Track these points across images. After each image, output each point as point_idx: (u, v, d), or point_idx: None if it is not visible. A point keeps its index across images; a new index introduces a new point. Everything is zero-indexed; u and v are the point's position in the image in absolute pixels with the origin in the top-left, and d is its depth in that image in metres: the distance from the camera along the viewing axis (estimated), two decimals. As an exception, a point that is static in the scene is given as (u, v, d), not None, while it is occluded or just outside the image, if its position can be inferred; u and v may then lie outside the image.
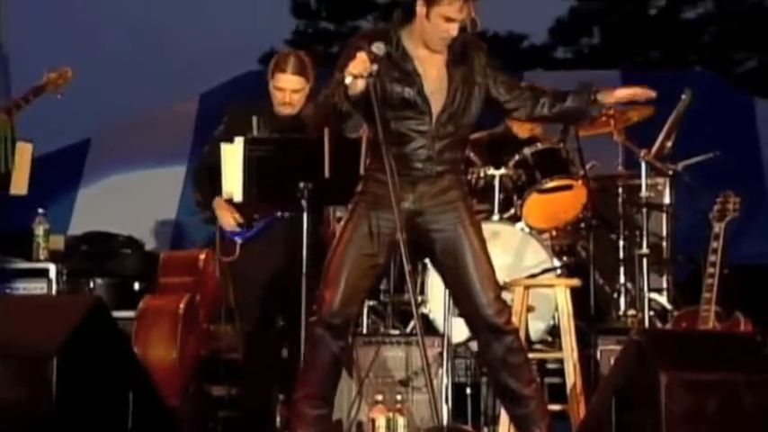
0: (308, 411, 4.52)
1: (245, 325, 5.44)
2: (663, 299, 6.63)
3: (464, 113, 4.52)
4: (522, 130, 6.79)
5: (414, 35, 4.50)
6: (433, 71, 4.51)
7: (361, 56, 4.24)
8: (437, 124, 4.47)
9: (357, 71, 4.21)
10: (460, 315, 4.74)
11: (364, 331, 6.17)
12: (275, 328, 5.43)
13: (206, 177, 5.47)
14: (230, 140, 5.21)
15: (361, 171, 4.76)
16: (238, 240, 5.41)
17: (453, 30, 4.42)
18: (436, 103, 4.48)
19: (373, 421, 5.28)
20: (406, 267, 4.24)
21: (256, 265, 5.36)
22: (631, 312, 6.47)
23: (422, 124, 4.47)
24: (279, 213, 5.37)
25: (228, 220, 5.40)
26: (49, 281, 6.38)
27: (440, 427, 5.00)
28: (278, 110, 5.42)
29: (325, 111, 4.42)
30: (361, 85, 4.23)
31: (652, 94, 4.61)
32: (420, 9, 4.42)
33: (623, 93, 4.63)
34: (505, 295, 5.64)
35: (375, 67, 4.24)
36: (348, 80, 4.21)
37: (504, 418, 5.12)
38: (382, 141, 4.28)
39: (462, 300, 4.59)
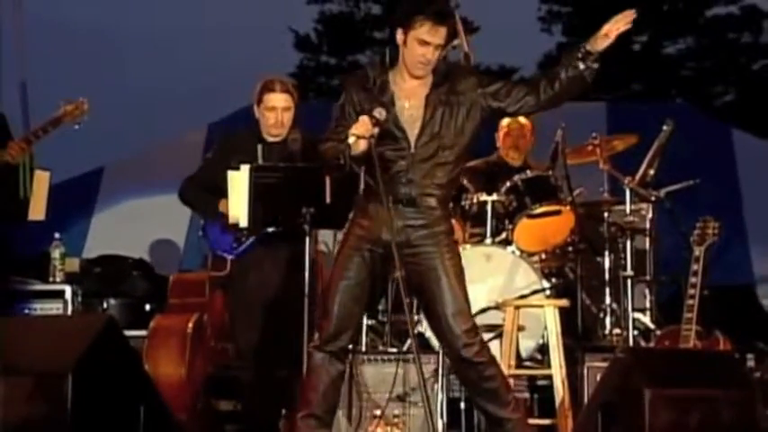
0: None
1: (243, 340, 5.40)
2: (646, 318, 6.62)
3: (446, 133, 4.46)
4: (514, 158, 6.83)
5: (401, 68, 4.52)
6: (415, 100, 4.50)
7: (364, 119, 4.31)
8: (417, 147, 4.45)
9: (360, 133, 4.28)
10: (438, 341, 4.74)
11: (363, 349, 6.16)
12: (275, 345, 5.38)
13: (194, 190, 5.48)
14: (221, 165, 5.23)
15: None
16: (228, 257, 5.40)
17: (429, 53, 4.41)
18: (415, 130, 4.46)
19: (372, 435, 5.27)
20: (405, 301, 4.29)
21: (248, 281, 5.34)
22: (616, 331, 6.45)
23: (401, 150, 4.46)
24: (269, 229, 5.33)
25: None
26: (65, 302, 6.38)
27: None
28: (268, 132, 5.40)
29: (329, 163, 4.48)
30: (363, 145, 4.29)
31: (631, 13, 4.30)
32: (399, 37, 4.45)
33: (606, 29, 4.32)
34: (497, 315, 5.69)
35: (376, 130, 4.30)
36: (351, 140, 4.28)
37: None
38: (382, 191, 4.28)
39: (436, 331, 4.61)
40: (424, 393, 4.28)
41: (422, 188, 4.47)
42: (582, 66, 4.37)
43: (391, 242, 4.32)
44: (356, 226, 4.55)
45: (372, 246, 4.48)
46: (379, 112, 4.33)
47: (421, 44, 4.40)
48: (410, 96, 4.50)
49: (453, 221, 5.24)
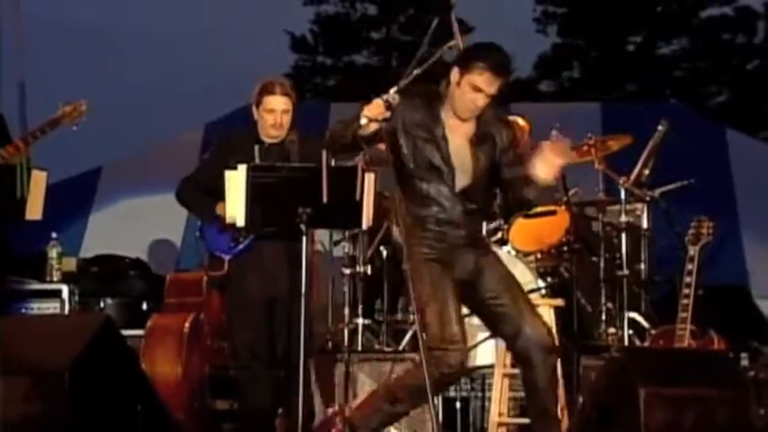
0: None
1: (240, 339, 5.37)
2: (641, 318, 6.62)
3: (487, 170, 4.51)
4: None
5: (446, 102, 4.49)
6: (459, 141, 4.49)
7: (378, 102, 4.27)
8: (459, 186, 4.47)
9: (372, 115, 4.25)
10: (508, 342, 4.60)
11: (360, 348, 6.15)
12: (271, 345, 5.36)
13: (191, 191, 5.45)
14: (218, 166, 5.20)
15: (357, 197, 4.74)
16: (225, 257, 5.37)
17: (480, 100, 4.39)
18: (459, 174, 4.47)
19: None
20: (413, 299, 4.29)
21: (246, 281, 5.31)
22: (612, 330, 6.46)
23: (444, 187, 4.46)
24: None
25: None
26: (62, 301, 6.37)
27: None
28: (267, 133, 5.37)
29: (337, 140, 4.44)
30: (373, 127, 4.27)
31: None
32: (454, 76, 4.42)
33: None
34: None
35: (388, 113, 4.27)
36: (363, 121, 4.26)
37: (492, 430, 5.12)
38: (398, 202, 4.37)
39: (515, 324, 4.46)
40: (430, 390, 4.25)
41: (462, 227, 4.50)
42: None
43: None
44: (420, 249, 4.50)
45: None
46: (392, 97, 4.29)
47: (474, 90, 4.38)
48: (455, 131, 4.49)
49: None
